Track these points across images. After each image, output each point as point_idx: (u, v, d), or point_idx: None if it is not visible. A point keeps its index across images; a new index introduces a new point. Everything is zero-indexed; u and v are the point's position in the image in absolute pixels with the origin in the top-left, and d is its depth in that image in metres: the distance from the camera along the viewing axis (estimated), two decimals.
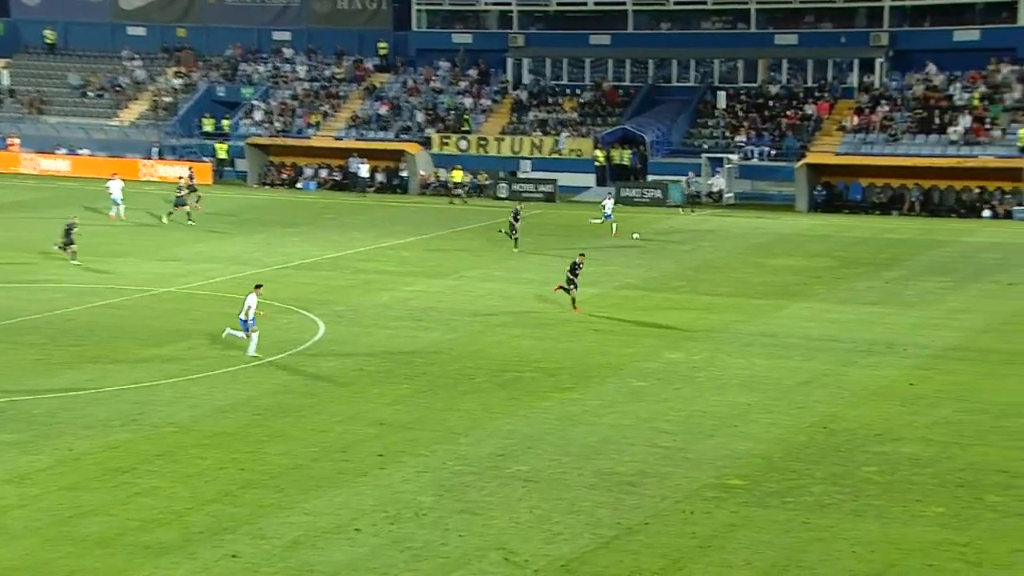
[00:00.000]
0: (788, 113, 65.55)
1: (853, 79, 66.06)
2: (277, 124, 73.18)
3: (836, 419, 26.41)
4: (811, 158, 61.33)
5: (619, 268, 44.75)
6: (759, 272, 43.58)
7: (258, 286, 31.95)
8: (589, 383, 29.41)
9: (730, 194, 60.18)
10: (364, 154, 68.63)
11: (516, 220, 48.00)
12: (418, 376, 30.06)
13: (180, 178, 59.19)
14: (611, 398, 28.17)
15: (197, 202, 56.37)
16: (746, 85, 68.52)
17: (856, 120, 62.85)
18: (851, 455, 24.03)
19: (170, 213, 54.93)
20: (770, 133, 64.97)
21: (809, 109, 65.34)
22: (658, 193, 61.97)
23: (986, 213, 56.50)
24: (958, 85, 62.67)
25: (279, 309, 36.53)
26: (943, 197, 58.73)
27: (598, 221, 52.59)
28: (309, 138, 71.93)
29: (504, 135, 69.22)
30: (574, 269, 36.85)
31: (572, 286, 36.78)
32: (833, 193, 60.69)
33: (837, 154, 61.77)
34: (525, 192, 64.81)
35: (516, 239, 47.59)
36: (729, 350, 32.52)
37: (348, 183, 68.68)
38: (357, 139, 71.19)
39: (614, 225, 51.77)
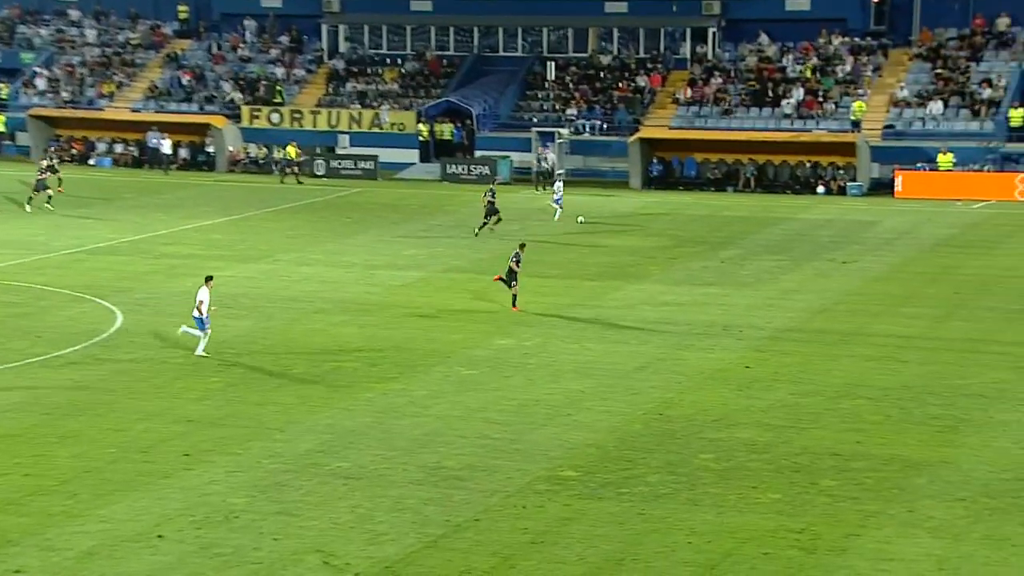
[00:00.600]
0: (620, 85, 66.66)
1: (686, 50, 67.58)
2: (64, 94, 70.85)
3: (672, 405, 27.05)
4: (644, 132, 62.56)
5: (445, 250, 44.86)
6: (592, 252, 44.26)
7: (208, 278, 30.66)
8: (414, 372, 29.41)
9: (561, 170, 60.96)
10: (165, 128, 67.04)
11: (494, 200, 47.57)
12: (228, 368, 29.58)
13: (42, 159, 56.66)
14: (438, 388, 28.23)
15: (59, 185, 53.55)
16: (576, 55, 69.40)
17: (689, 93, 64.34)
18: (687, 442, 24.64)
19: (30, 199, 52.33)
20: (602, 106, 65.95)
21: (642, 81, 66.57)
22: (486, 170, 62.28)
23: (820, 189, 58.59)
24: (791, 57, 64.75)
25: (69, 297, 35.43)
26: (777, 173, 60.66)
27: (580, 219, 50.60)
28: (102, 110, 69.90)
29: (320, 108, 68.55)
30: (517, 261, 35.30)
31: (513, 281, 35.19)
32: (668, 169, 62.00)
33: (671, 128, 63.16)
34: (344, 169, 64.38)
35: (497, 220, 47.34)
36: (562, 335, 32.95)
37: (148, 159, 67.01)
38: (157, 111, 69.55)
39: (558, 211, 50.86)
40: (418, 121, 66.31)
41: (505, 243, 46.23)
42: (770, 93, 63.14)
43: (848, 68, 63.11)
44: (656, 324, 34.02)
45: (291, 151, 62.81)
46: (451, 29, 71.58)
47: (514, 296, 35.24)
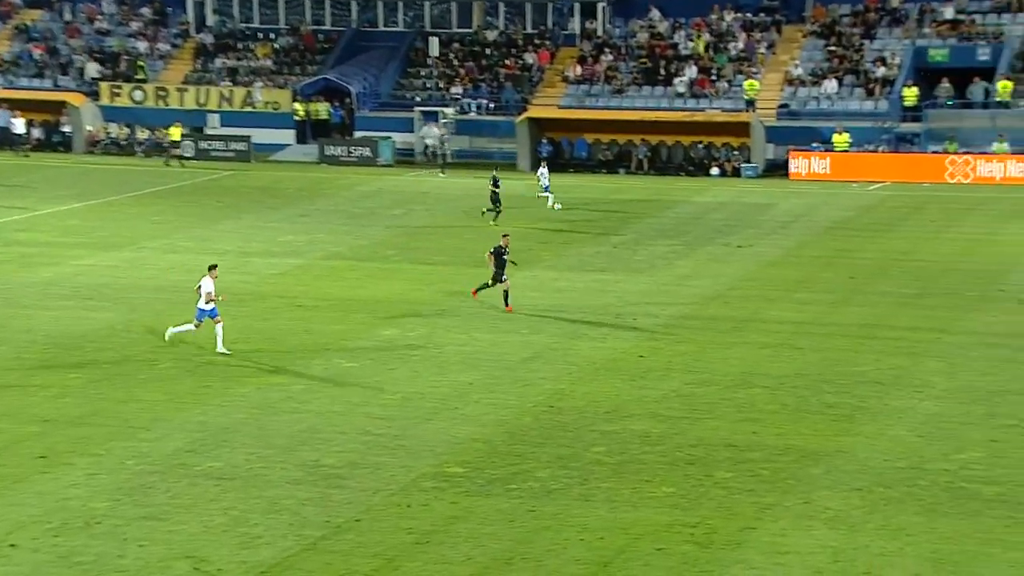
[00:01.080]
0: (507, 62, 66.77)
1: (575, 25, 67.89)
2: None
3: (563, 397, 27.22)
4: (533, 112, 62.76)
5: (324, 236, 44.56)
6: (479, 238, 44.27)
7: (212, 267, 30.19)
8: (292, 366, 29.18)
9: (445, 151, 60.96)
10: (16, 105, 65.46)
11: (497, 188, 46.61)
12: (89, 364, 29.05)
13: None
14: (317, 382, 28.04)
15: None
16: (461, 31, 69.35)
17: (579, 70, 64.69)
18: (579, 435, 24.83)
19: None
20: (488, 84, 65.99)
21: (529, 58, 66.76)
22: (367, 151, 61.98)
23: (714, 171, 59.36)
24: (683, 33, 65.46)
25: None
26: (671, 154, 61.31)
27: (556, 206, 50.23)
28: None
29: (187, 85, 67.57)
30: (500, 255, 34.44)
31: (502, 277, 34.36)
32: (558, 150, 62.25)
33: (560, 107, 63.45)
34: (214, 150, 63.60)
35: (498, 212, 46.20)
36: (448, 325, 32.95)
37: None
38: (5, 87, 67.87)
39: (551, 198, 50.39)
40: (293, 100, 65.76)
41: (391, 229, 46.04)
42: (662, 71, 63.76)
43: (741, 45, 64.02)
44: (547, 312, 34.20)
45: (174, 132, 61.85)
46: (327, 2, 71.01)
47: (505, 293, 34.33)
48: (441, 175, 59.13)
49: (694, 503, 21.44)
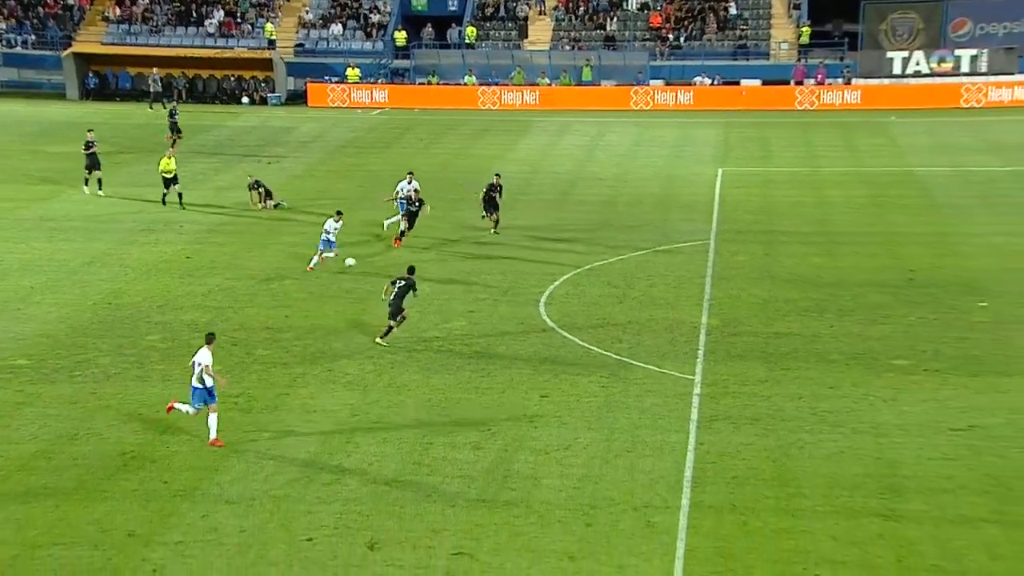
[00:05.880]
0: (49, 2, 62.06)
1: None
2: None
3: (120, 295, 26.16)
4: (77, 47, 58.88)
5: None
6: (35, 159, 41.27)
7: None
8: None
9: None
10: None
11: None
12: None
13: None
14: None
15: None
16: None
17: (118, 11, 61.19)
18: (135, 327, 24.03)
19: None
20: (31, 21, 61.20)
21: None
22: None
23: (245, 100, 58.31)
24: None
25: None
26: (206, 86, 59.51)
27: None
28: None
29: None
30: (492, 192, 31.11)
31: (491, 211, 31.33)
32: (104, 82, 58.94)
33: (103, 44, 59.88)
34: None
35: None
36: (7, 236, 30.67)
37: None
38: None
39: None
40: None
41: None
42: (194, 13, 61.46)
43: None
44: (103, 223, 32.60)
45: None
46: None
47: (496, 221, 31.66)
48: None
49: (238, 377, 21.40)
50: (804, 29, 56.28)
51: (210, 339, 18.78)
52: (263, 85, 58.80)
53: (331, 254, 28.21)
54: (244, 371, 21.72)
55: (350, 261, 27.75)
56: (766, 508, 16.54)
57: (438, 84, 57.67)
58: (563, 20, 59.79)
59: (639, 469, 17.75)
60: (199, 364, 18.42)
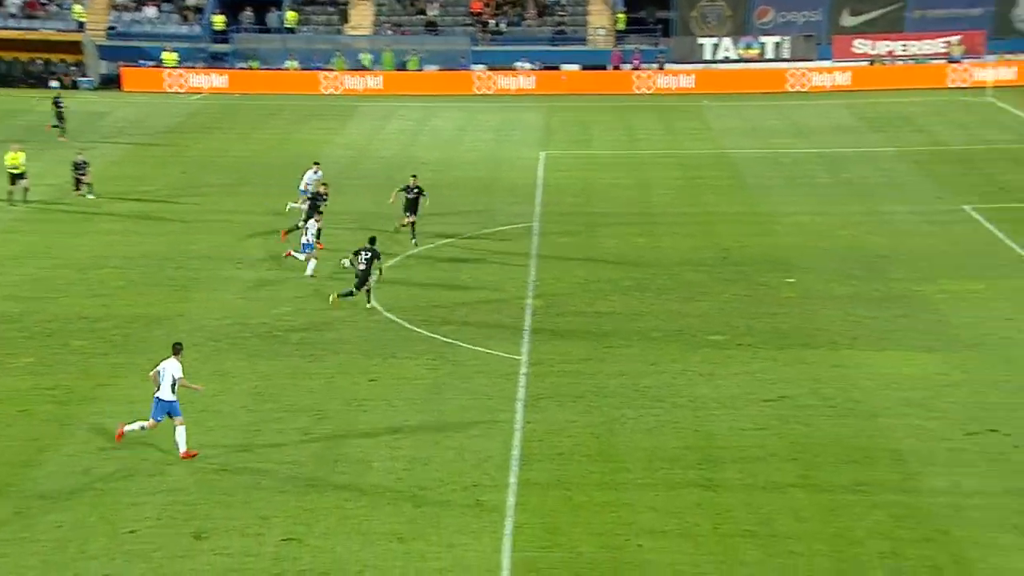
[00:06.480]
0: None
1: None
2: None
3: None
4: None
5: None
6: None
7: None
8: None
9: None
10: None
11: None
12: None
13: None
14: None
15: None
16: None
17: None
18: None
19: None
20: None
21: None
22: None
23: (54, 83, 55.75)
24: None
25: None
26: (10, 68, 56.74)
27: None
28: None
29: None
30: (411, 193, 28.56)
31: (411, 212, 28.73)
32: None
33: None
34: None
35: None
36: None
37: None
38: None
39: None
40: None
41: None
42: None
43: None
44: None
45: None
46: None
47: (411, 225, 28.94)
48: None
49: (53, 369, 20.70)
50: (620, 16, 57.51)
51: (177, 349, 17.73)
52: (73, 69, 56.46)
53: (302, 257, 26.61)
54: (60, 363, 20.98)
55: (345, 262, 26.11)
56: (591, 483, 16.98)
57: (259, 69, 56.49)
58: (384, 5, 59.46)
59: (468, 449, 17.96)
60: (172, 376, 17.30)
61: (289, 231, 28.66)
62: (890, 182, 35.54)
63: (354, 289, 24.04)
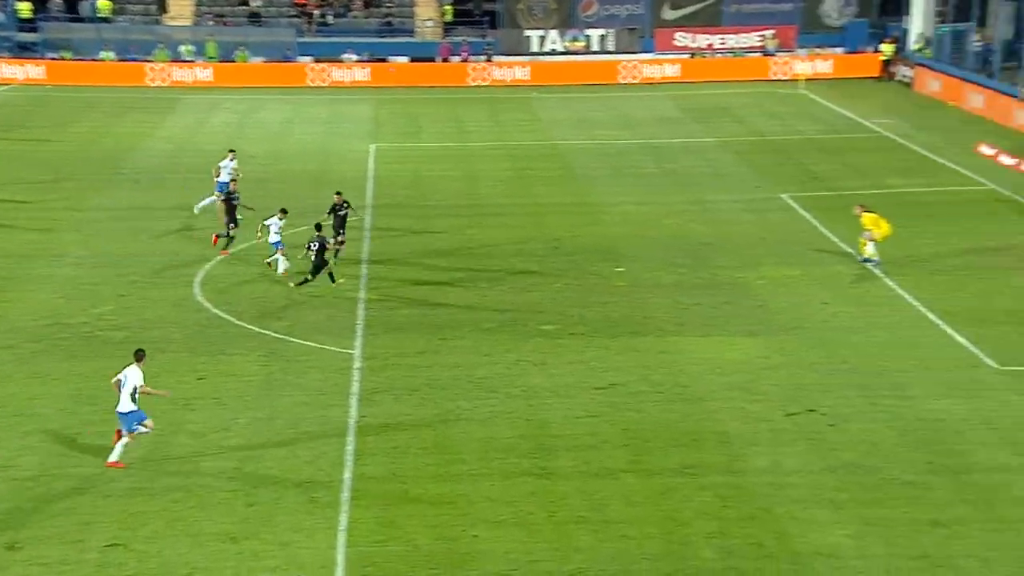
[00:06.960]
0: None
1: None
2: None
3: None
4: None
5: None
6: None
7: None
8: None
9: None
10: None
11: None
12: None
13: None
14: None
15: None
16: None
17: None
18: None
19: None
20: None
21: None
22: None
23: None
24: None
25: None
26: None
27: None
28: None
29: None
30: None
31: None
32: None
33: None
34: None
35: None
36: None
37: None
38: None
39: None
40: None
41: None
42: None
43: None
44: None
45: None
46: None
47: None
48: None
49: None
50: (447, 8, 57.52)
51: (140, 356, 16.98)
52: None
53: (281, 265, 25.38)
54: None
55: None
56: (427, 476, 16.94)
57: (71, 60, 54.16)
58: None
59: (301, 446, 17.67)
60: (133, 385, 16.49)
61: (220, 236, 26.94)
62: (712, 172, 36.63)
63: (309, 276, 24.35)
